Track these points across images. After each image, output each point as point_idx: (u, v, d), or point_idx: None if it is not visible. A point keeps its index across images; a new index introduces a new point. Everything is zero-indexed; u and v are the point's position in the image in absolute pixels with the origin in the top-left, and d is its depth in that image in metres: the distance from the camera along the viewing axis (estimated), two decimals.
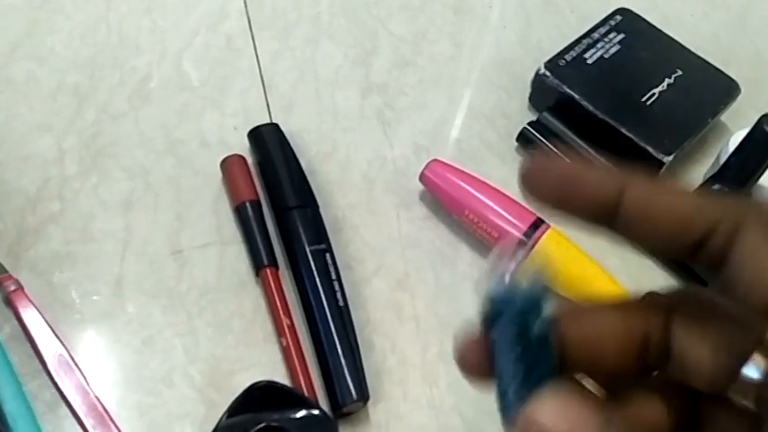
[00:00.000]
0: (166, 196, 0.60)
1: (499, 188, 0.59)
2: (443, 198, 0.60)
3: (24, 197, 0.58)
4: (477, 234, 0.59)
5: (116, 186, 0.60)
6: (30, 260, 0.56)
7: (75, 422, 0.50)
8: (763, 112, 0.54)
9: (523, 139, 0.64)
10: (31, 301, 0.54)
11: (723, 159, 0.59)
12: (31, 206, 0.58)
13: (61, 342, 0.53)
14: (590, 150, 0.63)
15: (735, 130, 0.62)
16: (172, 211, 0.59)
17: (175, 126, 0.63)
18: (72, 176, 0.60)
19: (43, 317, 0.53)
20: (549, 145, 0.63)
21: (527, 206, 0.58)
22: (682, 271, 0.60)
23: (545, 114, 0.64)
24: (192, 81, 0.66)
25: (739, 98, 0.65)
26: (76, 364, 0.52)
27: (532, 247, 0.56)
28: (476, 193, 0.59)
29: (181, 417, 0.51)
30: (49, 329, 0.53)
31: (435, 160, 0.60)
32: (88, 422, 0.50)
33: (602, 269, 0.56)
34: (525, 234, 0.57)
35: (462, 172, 0.60)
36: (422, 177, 0.60)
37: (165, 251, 0.57)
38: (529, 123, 0.64)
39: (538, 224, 0.57)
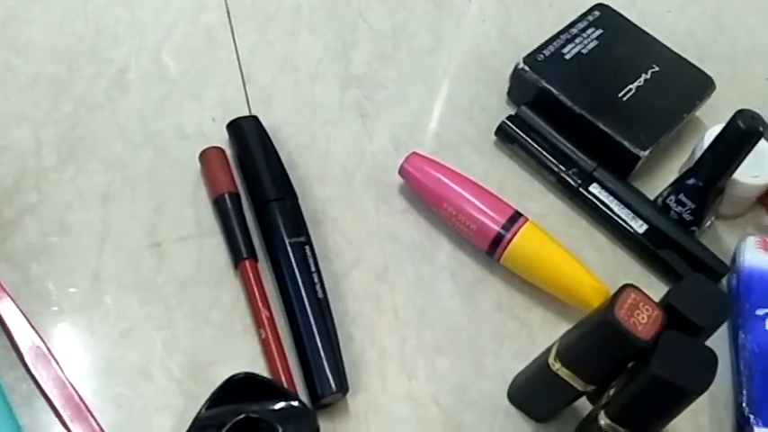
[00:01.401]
0: (144, 188, 0.59)
1: (478, 182, 0.60)
2: (422, 191, 0.60)
3: (0, 188, 0.58)
4: (456, 227, 0.59)
5: (93, 178, 0.59)
6: (6, 252, 0.55)
7: (52, 414, 0.50)
8: (738, 108, 0.55)
9: (502, 133, 0.65)
10: (7, 293, 0.53)
11: (698, 154, 0.60)
12: (8, 198, 0.58)
13: (38, 334, 0.52)
14: (567, 145, 0.63)
15: (710, 125, 0.62)
16: (150, 204, 0.59)
17: (154, 118, 0.63)
18: (49, 168, 0.59)
19: (20, 309, 0.53)
20: (528, 139, 0.64)
21: (505, 200, 0.59)
22: (654, 262, 0.60)
23: (523, 109, 0.65)
24: (170, 73, 0.66)
25: (714, 94, 0.66)
26: (53, 357, 0.52)
27: (511, 239, 0.57)
28: (455, 187, 0.59)
29: (159, 409, 0.51)
30: (26, 321, 0.52)
31: (414, 153, 0.61)
32: (65, 414, 0.50)
33: (579, 262, 0.57)
34: (503, 227, 0.57)
35: (441, 165, 0.60)
36: (401, 170, 0.60)
37: (142, 243, 0.57)
38: (507, 117, 0.65)
39: (516, 217, 0.58)
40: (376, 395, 0.53)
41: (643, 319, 0.44)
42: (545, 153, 0.63)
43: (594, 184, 0.62)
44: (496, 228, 0.57)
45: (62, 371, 0.51)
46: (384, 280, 0.58)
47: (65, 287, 0.55)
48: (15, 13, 0.67)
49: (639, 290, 0.46)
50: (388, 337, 0.55)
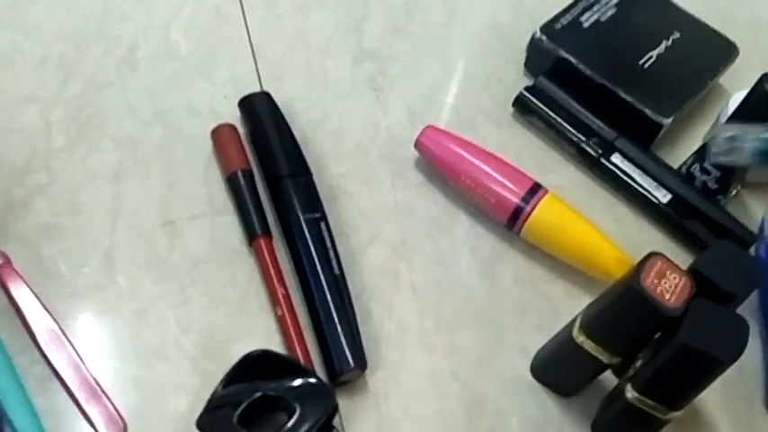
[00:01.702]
0: (156, 167, 0.58)
1: (496, 154, 0.58)
2: (439, 164, 0.59)
3: (11, 169, 0.57)
4: (474, 200, 0.58)
5: (104, 157, 0.58)
6: (17, 233, 0.55)
7: (66, 396, 0.49)
8: (762, 73, 0.53)
9: (520, 104, 0.63)
10: (19, 275, 0.52)
11: (723, 121, 0.58)
12: (18, 178, 0.57)
13: (51, 316, 0.51)
14: (587, 114, 0.61)
15: (733, 91, 0.61)
16: (162, 182, 0.58)
17: (164, 96, 0.62)
18: (59, 148, 0.58)
19: (32, 291, 0.52)
20: (546, 110, 0.62)
21: (524, 171, 0.57)
22: (678, 233, 0.59)
23: (541, 79, 0.63)
24: (180, 50, 0.65)
25: (737, 60, 0.64)
26: (67, 338, 0.51)
27: (531, 212, 0.55)
28: (472, 159, 0.58)
29: (175, 388, 0.50)
30: (39, 303, 0.52)
31: (430, 126, 0.59)
32: (80, 396, 0.49)
33: (600, 231, 0.55)
34: (523, 199, 0.56)
35: (458, 138, 0.59)
36: (417, 144, 0.59)
37: (155, 222, 0.56)
38: (525, 88, 0.63)
39: (535, 189, 0.56)
40: (395, 371, 0.52)
41: (670, 287, 0.43)
42: (564, 123, 0.62)
43: (616, 154, 0.60)
44: (516, 200, 0.56)
45: (76, 352, 0.51)
46: (402, 255, 0.56)
47: (77, 268, 0.54)
48: None
49: (666, 257, 0.44)
50: (407, 312, 0.54)
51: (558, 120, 0.62)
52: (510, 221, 0.56)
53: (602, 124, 0.61)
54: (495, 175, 0.57)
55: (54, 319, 0.51)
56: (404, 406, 0.51)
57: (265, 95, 0.61)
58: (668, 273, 0.43)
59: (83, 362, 0.50)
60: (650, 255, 0.44)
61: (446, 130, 0.59)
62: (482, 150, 0.58)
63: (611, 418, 0.49)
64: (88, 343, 0.51)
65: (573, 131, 0.61)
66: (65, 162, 0.58)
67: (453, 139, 0.59)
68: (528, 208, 0.55)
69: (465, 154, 0.58)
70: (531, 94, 0.63)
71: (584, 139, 0.61)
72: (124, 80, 0.62)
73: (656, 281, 0.43)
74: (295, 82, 0.64)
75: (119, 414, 0.49)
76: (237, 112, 0.61)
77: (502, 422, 0.51)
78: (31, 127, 0.59)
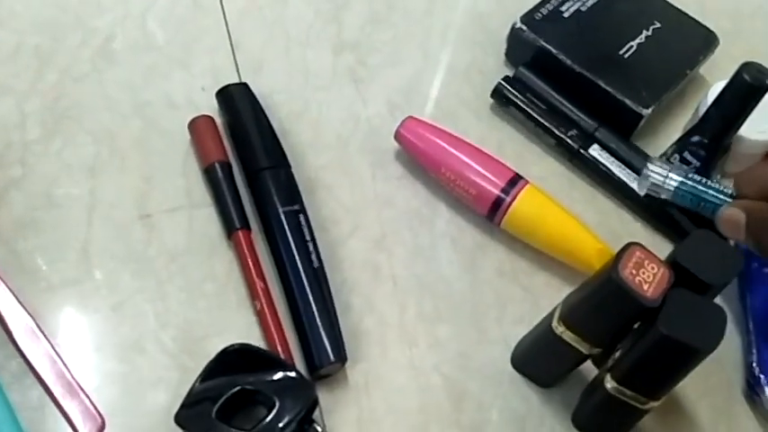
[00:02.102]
0: (133, 159, 0.58)
1: (476, 145, 0.58)
2: (419, 156, 0.58)
3: None
4: (455, 192, 0.57)
5: (80, 150, 0.58)
6: None
7: (43, 392, 0.49)
8: (741, 63, 0.53)
9: (498, 95, 0.63)
10: None
11: (702, 111, 0.58)
12: None
13: (27, 311, 0.51)
14: (567, 105, 0.61)
15: (713, 82, 0.61)
16: (139, 175, 0.57)
17: (141, 87, 0.61)
18: (34, 140, 0.58)
19: (7, 285, 0.51)
20: (525, 101, 0.62)
21: (504, 162, 0.57)
22: (659, 223, 0.59)
23: (520, 69, 0.63)
24: (157, 41, 0.64)
25: (717, 50, 0.64)
26: (43, 333, 0.50)
27: (511, 203, 0.55)
28: (452, 150, 0.57)
29: (154, 383, 0.50)
30: (14, 298, 0.51)
31: (410, 117, 0.59)
32: (57, 391, 0.49)
33: (581, 223, 0.55)
34: (503, 190, 0.55)
35: (438, 129, 0.58)
36: (397, 135, 0.59)
37: (132, 215, 0.55)
38: (503, 79, 0.63)
39: (515, 180, 0.56)
40: (376, 365, 0.52)
41: (649, 277, 0.43)
42: (543, 115, 0.61)
43: (595, 146, 0.60)
44: (496, 191, 0.56)
45: (53, 347, 0.50)
46: (382, 248, 0.56)
47: (54, 262, 0.53)
48: None
49: (644, 247, 0.44)
50: (388, 305, 0.54)
51: (537, 111, 0.61)
52: (490, 213, 0.56)
53: (581, 115, 0.61)
54: (475, 166, 0.57)
55: (30, 314, 0.51)
56: (385, 399, 0.51)
57: (244, 86, 0.60)
58: (646, 263, 0.43)
59: (59, 357, 0.50)
60: (628, 245, 0.44)
61: (426, 121, 0.59)
62: (462, 141, 0.58)
63: (592, 409, 0.49)
64: (65, 338, 0.51)
65: (552, 123, 0.61)
66: (40, 155, 0.57)
67: (433, 131, 0.58)
68: (508, 199, 0.55)
69: (445, 145, 0.57)
70: (510, 85, 0.62)
71: (563, 130, 0.61)
72: (100, 71, 0.61)
73: (634, 271, 0.43)
74: (274, 73, 0.63)
75: (96, 409, 0.48)
76: (215, 104, 0.60)
77: (483, 415, 0.51)
78: (4, 119, 0.58)
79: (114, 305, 0.52)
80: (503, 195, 0.55)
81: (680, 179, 0.49)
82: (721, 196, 0.47)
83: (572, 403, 0.51)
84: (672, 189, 0.49)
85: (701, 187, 0.48)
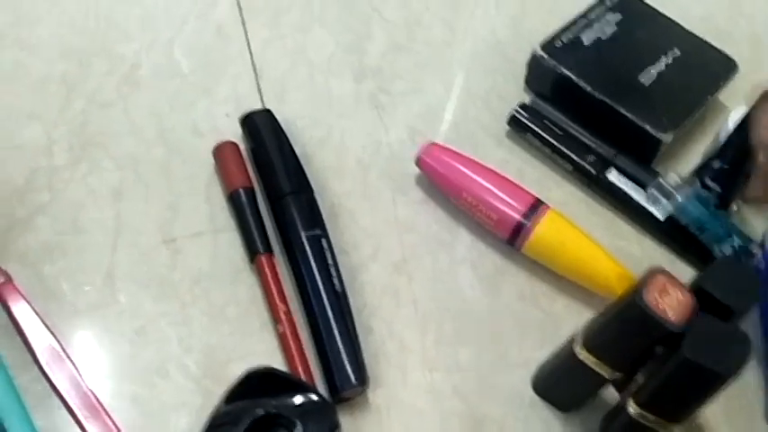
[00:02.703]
0: (158, 185, 0.59)
1: (496, 170, 0.58)
2: (440, 181, 0.59)
3: (12, 188, 0.57)
4: (476, 217, 0.58)
5: (106, 176, 0.59)
6: (19, 251, 0.55)
7: (67, 414, 0.49)
8: (764, 90, 0.54)
9: (514, 122, 0.63)
10: (21, 294, 0.52)
11: (723, 137, 0.58)
12: (20, 197, 0.57)
13: (52, 334, 0.51)
14: (584, 132, 0.62)
15: (733, 107, 0.61)
16: (163, 201, 0.58)
17: (166, 114, 0.62)
18: (61, 166, 0.59)
19: (33, 309, 0.52)
20: (540, 128, 0.62)
21: (525, 188, 0.58)
22: (681, 249, 0.59)
23: (534, 97, 0.63)
24: (182, 68, 0.65)
25: (737, 76, 0.64)
26: (68, 356, 0.51)
27: (532, 228, 0.55)
28: (473, 176, 0.58)
29: (176, 407, 0.50)
30: (40, 321, 0.52)
31: (431, 143, 0.59)
32: (81, 414, 0.49)
33: (602, 248, 0.55)
34: (524, 216, 0.56)
35: (459, 154, 0.59)
36: (418, 161, 0.59)
37: (156, 240, 0.56)
38: (519, 106, 0.63)
39: (537, 206, 0.56)
40: (397, 389, 0.52)
41: (672, 302, 0.43)
42: (560, 141, 0.62)
43: (613, 171, 0.60)
44: (517, 216, 0.56)
45: (77, 370, 0.50)
46: (403, 272, 0.56)
47: (79, 286, 0.54)
48: (25, 12, 0.66)
49: (668, 273, 0.44)
50: (408, 329, 0.54)
51: (554, 137, 0.62)
52: (511, 238, 0.56)
53: (600, 142, 0.61)
54: (496, 191, 0.57)
55: (55, 337, 0.51)
56: (405, 423, 0.51)
57: (267, 113, 0.61)
58: (670, 288, 0.43)
59: (83, 380, 0.50)
60: (652, 270, 0.44)
61: (447, 146, 0.59)
62: (482, 167, 0.58)
63: None
64: (89, 361, 0.51)
65: (569, 148, 0.61)
66: (67, 181, 0.58)
67: (454, 156, 0.59)
68: (529, 224, 0.55)
69: (466, 171, 0.58)
70: (525, 112, 0.63)
71: (581, 156, 0.61)
72: (126, 98, 0.63)
73: (657, 296, 0.43)
74: (297, 100, 0.64)
75: None
76: (239, 130, 0.61)
77: None
78: (32, 145, 0.59)
79: (138, 329, 0.53)
80: (524, 221, 0.56)
81: (682, 201, 0.48)
82: (722, 229, 0.47)
83: (593, 428, 0.51)
84: (671, 210, 0.48)
85: (703, 213, 0.48)
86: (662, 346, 0.45)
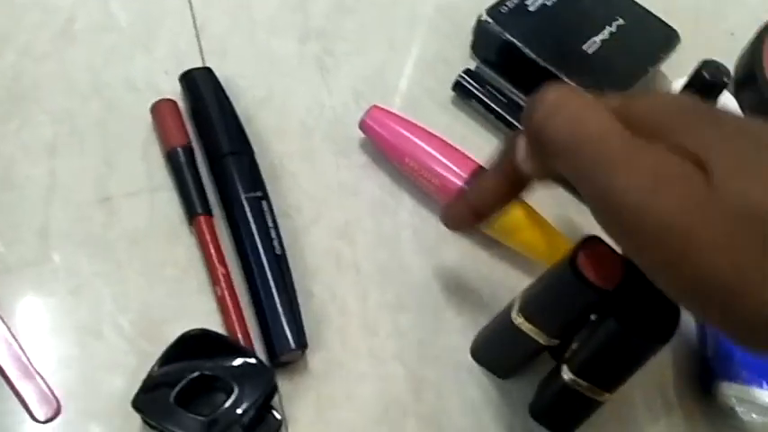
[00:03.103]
0: (93, 141, 0.57)
1: (440, 136, 0.58)
2: (384, 145, 0.58)
3: None
4: (418, 182, 0.57)
5: (39, 131, 0.57)
6: None
7: None
8: (701, 60, 0.54)
9: (459, 88, 0.63)
10: None
11: None
12: None
13: None
14: (525, 99, 0.62)
15: (673, 79, 0.62)
16: (99, 157, 0.56)
17: (102, 69, 0.60)
18: None
19: None
20: (485, 94, 0.62)
21: (468, 154, 0.58)
22: None
23: (480, 63, 0.63)
24: (119, 22, 0.63)
25: (679, 48, 0.65)
26: None
27: None
28: (417, 141, 0.57)
29: (111, 368, 0.49)
30: None
31: (375, 107, 0.59)
32: (12, 374, 0.48)
33: (542, 217, 0.56)
34: (466, 182, 0.56)
35: (403, 119, 0.59)
36: (361, 124, 0.59)
37: (92, 198, 0.55)
38: (463, 72, 0.63)
39: (479, 172, 0.56)
40: (336, 353, 0.52)
41: (605, 268, 0.43)
42: (504, 108, 0.62)
43: None
44: (459, 183, 0.56)
45: (8, 329, 0.49)
46: (345, 236, 0.56)
47: (11, 243, 0.52)
48: None
49: (601, 240, 0.45)
50: (349, 293, 0.54)
51: (498, 104, 0.62)
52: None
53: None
54: (439, 157, 0.57)
55: None
56: (344, 387, 0.51)
57: (207, 71, 0.60)
58: (604, 255, 0.44)
59: (15, 339, 0.49)
60: (587, 238, 0.45)
61: (391, 110, 0.59)
62: (426, 132, 0.58)
63: (549, 400, 0.50)
64: (21, 321, 0.50)
65: (513, 116, 0.61)
66: None
67: (398, 120, 0.58)
68: None
69: (409, 135, 0.58)
70: (471, 78, 0.63)
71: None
72: (61, 52, 0.60)
73: (591, 262, 0.43)
74: (238, 58, 0.63)
75: (52, 393, 0.48)
76: (178, 88, 0.60)
77: (442, 404, 0.51)
78: None
79: (72, 288, 0.51)
80: (466, 187, 0.56)
81: None
82: None
83: (529, 394, 0.51)
84: None
85: None
86: (596, 312, 0.45)
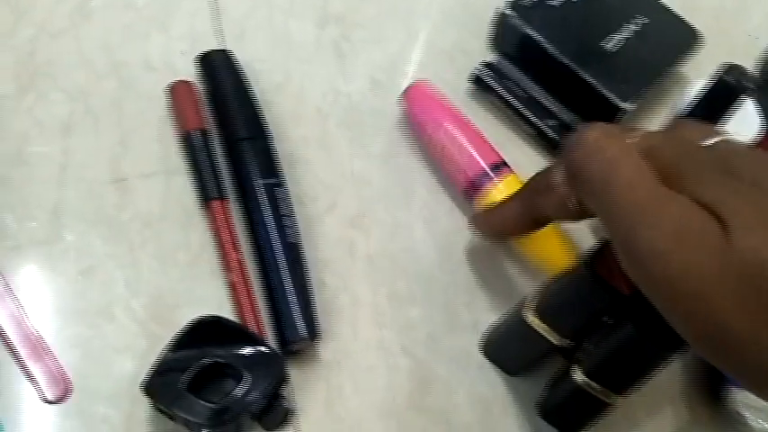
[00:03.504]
0: (108, 120, 0.57)
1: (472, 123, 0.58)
2: (422, 114, 0.58)
3: None
4: (443, 160, 0.57)
5: (54, 108, 0.56)
6: None
7: (8, 353, 0.48)
8: (721, 64, 0.54)
9: (476, 80, 0.62)
10: None
11: (679, 108, 0.59)
12: None
13: None
14: (547, 96, 0.61)
15: (694, 80, 0.61)
16: (114, 137, 0.56)
17: (118, 47, 0.60)
18: (6, 95, 0.56)
19: None
20: (503, 88, 0.62)
21: (493, 146, 0.57)
22: None
23: (499, 56, 0.63)
24: (136, 0, 0.62)
25: (701, 49, 0.64)
26: (11, 293, 0.49)
27: (492, 185, 0.55)
28: (457, 116, 0.58)
29: (121, 350, 0.49)
30: None
31: (423, 81, 0.59)
32: (22, 352, 0.48)
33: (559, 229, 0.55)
34: (489, 169, 0.55)
35: (445, 96, 0.59)
36: (408, 89, 0.59)
37: (106, 178, 0.54)
38: (482, 65, 0.62)
39: (500, 165, 0.56)
40: (347, 343, 0.52)
41: (622, 272, 0.43)
42: (522, 103, 0.61)
43: None
44: (483, 167, 0.55)
45: (20, 308, 0.49)
46: (358, 226, 0.56)
47: (23, 221, 0.52)
48: None
49: None
50: (361, 284, 0.54)
51: (515, 99, 0.61)
52: (470, 188, 0.55)
53: (562, 107, 0.61)
54: (470, 138, 0.57)
55: None
56: (353, 378, 0.51)
57: (225, 53, 0.59)
58: None
59: (26, 318, 0.49)
60: (604, 240, 0.45)
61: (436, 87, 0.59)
62: (463, 116, 0.58)
63: (557, 400, 0.50)
64: (32, 299, 0.50)
65: (530, 111, 0.61)
66: (12, 111, 0.56)
67: (441, 96, 0.59)
68: (490, 181, 0.55)
69: (452, 110, 0.58)
70: (490, 71, 0.62)
71: (542, 120, 0.61)
72: (78, 28, 0.60)
73: (609, 265, 0.43)
74: (256, 41, 0.62)
75: (62, 373, 0.48)
76: (194, 69, 0.59)
77: (449, 398, 0.51)
78: None
79: (84, 269, 0.51)
80: (488, 172, 0.55)
81: None
82: None
83: (538, 392, 0.51)
84: None
85: None
86: (611, 315, 0.45)
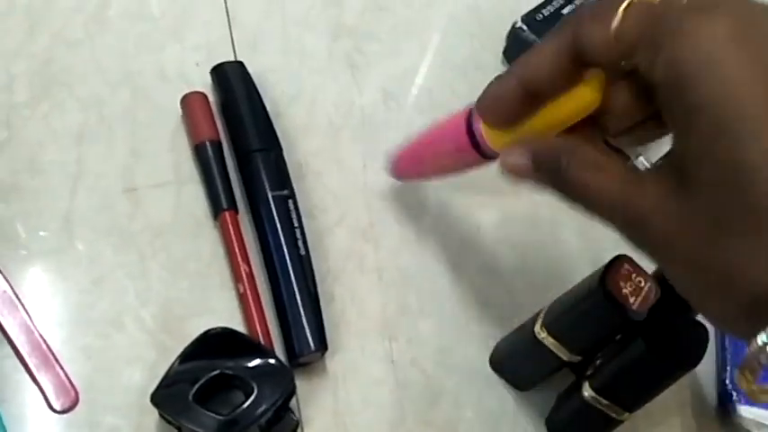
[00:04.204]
0: (121, 130, 0.57)
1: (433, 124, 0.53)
2: (413, 174, 0.56)
3: None
4: (448, 168, 0.53)
5: (68, 117, 0.57)
6: None
7: (17, 362, 0.48)
8: None
9: None
10: None
11: None
12: None
13: (5, 278, 0.50)
14: None
15: None
16: (127, 147, 0.56)
17: (133, 57, 0.60)
18: (21, 103, 0.56)
19: None
20: None
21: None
22: None
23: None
24: (152, 11, 0.62)
25: None
26: (21, 302, 0.50)
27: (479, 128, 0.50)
28: (427, 145, 0.53)
29: (130, 360, 0.49)
30: None
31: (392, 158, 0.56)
32: (31, 362, 0.48)
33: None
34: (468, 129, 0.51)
35: (409, 145, 0.54)
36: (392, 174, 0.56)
37: (118, 188, 0.55)
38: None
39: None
40: (355, 356, 0.52)
41: (635, 290, 0.43)
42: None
43: None
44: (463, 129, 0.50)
45: (29, 317, 0.49)
46: (369, 238, 0.56)
47: (34, 230, 0.52)
48: None
49: (632, 261, 0.44)
50: (371, 297, 0.54)
51: None
52: (474, 147, 0.51)
53: None
54: (438, 136, 0.51)
55: (8, 282, 0.50)
56: (361, 391, 0.51)
57: (239, 65, 0.59)
58: (634, 276, 0.44)
59: (35, 327, 0.49)
60: (617, 257, 0.44)
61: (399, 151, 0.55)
62: (426, 135, 0.53)
63: (566, 415, 0.49)
64: (42, 308, 0.50)
65: None
66: (26, 119, 0.56)
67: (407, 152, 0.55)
68: (476, 125, 0.51)
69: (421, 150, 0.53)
70: None
71: None
72: (93, 38, 0.60)
73: (621, 283, 0.43)
74: (269, 52, 0.62)
75: (71, 383, 0.48)
76: (208, 80, 0.59)
77: (458, 412, 0.51)
78: None
79: (95, 279, 0.51)
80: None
81: None
82: None
83: (547, 407, 0.51)
84: None
85: None
86: (623, 332, 0.45)
